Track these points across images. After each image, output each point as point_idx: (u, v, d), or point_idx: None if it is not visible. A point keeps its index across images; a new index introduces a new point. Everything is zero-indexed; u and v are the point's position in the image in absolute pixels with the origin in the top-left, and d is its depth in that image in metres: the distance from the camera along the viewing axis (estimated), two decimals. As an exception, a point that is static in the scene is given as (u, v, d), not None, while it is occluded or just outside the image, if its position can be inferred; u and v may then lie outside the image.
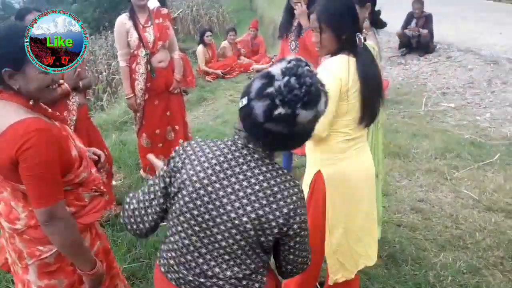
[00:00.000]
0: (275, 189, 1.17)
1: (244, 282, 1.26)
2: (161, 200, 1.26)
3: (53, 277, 1.55)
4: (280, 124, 1.11)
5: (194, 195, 1.17)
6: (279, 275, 1.41)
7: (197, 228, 1.20)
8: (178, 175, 1.21)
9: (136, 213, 1.31)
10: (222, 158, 1.19)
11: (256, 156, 1.20)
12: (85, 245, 1.57)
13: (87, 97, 3.77)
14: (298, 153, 3.63)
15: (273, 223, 1.16)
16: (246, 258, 1.23)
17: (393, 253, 2.79)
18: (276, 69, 1.12)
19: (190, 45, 11.66)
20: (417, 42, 7.28)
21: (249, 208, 1.15)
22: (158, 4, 3.58)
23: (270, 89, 1.09)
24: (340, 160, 1.92)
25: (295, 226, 1.20)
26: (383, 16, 2.49)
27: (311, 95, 1.09)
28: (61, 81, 2.75)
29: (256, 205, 1.15)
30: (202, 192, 1.17)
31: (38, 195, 1.38)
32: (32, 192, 1.39)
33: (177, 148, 1.29)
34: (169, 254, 1.29)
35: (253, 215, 1.15)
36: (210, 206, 1.17)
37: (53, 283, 1.56)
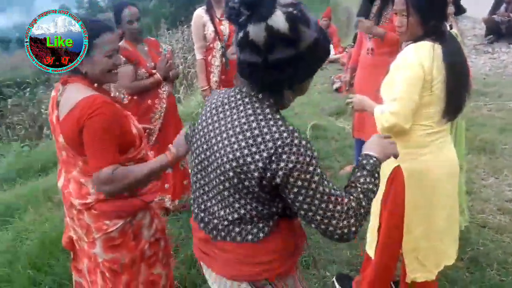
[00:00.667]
0: (256, 132, 1.11)
1: (237, 229, 1.23)
2: None
3: (117, 251, 1.71)
4: (247, 52, 1.09)
5: (197, 136, 1.27)
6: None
7: (198, 167, 1.27)
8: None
9: None
10: (219, 103, 1.23)
11: (246, 100, 1.18)
12: (138, 180, 1.62)
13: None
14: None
15: (252, 166, 1.10)
16: (234, 201, 1.20)
17: (476, 256, 2.60)
18: None
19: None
20: (507, 28, 6.69)
21: (228, 149, 1.14)
22: None
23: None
24: (421, 155, 1.82)
25: (281, 173, 1.08)
26: (467, 2, 2.32)
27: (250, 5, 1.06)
28: (153, 70, 2.96)
29: (235, 146, 1.12)
30: (200, 133, 1.25)
31: (95, 160, 1.53)
32: (90, 157, 1.54)
33: None
34: (192, 195, 1.38)
35: (230, 156, 1.13)
36: (205, 146, 1.23)
37: (116, 256, 1.71)
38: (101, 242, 1.69)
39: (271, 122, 1.13)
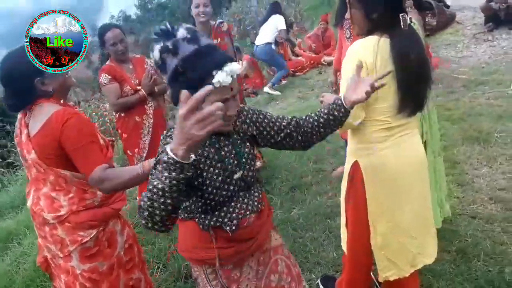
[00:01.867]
0: None
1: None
2: None
3: (94, 260, 1.76)
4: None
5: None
6: None
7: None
8: None
9: None
10: None
11: None
12: (133, 178, 1.67)
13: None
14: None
15: None
16: None
17: (463, 247, 2.53)
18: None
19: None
20: (506, 14, 6.54)
21: None
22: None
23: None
24: (378, 150, 1.77)
25: None
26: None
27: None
28: (138, 87, 3.06)
29: None
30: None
31: (86, 163, 1.63)
32: (81, 162, 1.64)
33: None
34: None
35: None
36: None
37: (95, 265, 1.77)
38: (77, 253, 1.75)
39: None
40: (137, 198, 4.21)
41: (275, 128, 1.53)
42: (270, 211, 1.64)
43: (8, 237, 3.69)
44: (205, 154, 1.37)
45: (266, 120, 1.53)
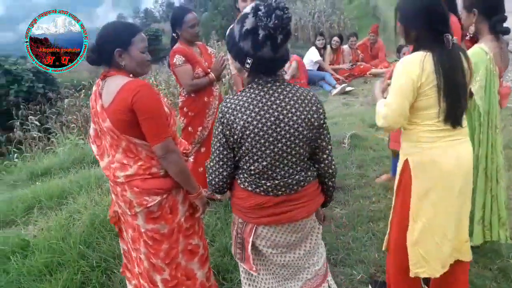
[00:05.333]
0: None
1: (304, 175, 1.70)
2: None
3: (156, 222, 1.96)
4: (265, 49, 1.47)
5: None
6: None
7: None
8: None
9: None
10: None
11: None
12: (190, 173, 1.99)
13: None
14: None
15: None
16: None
17: (505, 267, 2.60)
18: (246, 10, 1.48)
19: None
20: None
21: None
22: None
23: (248, 26, 1.45)
24: (429, 148, 1.93)
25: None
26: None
27: (283, 20, 1.42)
28: (208, 69, 3.25)
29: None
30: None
31: (154, 133, 1.81)
32: (149, 131, 1.81)
33: None
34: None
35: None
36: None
37: (156, 227, 1.97)
38: (143, 214, 1.94)
39: None
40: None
41: None
42: None
43: (62, 194, 3.90)
44: None
45: None
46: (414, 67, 1.84)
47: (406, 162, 2.00)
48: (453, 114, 1.88)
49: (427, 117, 1.90)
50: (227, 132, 1.58)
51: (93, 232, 3.08)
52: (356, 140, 4.91)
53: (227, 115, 1.57)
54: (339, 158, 4.40)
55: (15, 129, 8.84)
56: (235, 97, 1.60)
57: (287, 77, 7.64)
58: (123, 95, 1.78)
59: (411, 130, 1.97)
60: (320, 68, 8.00)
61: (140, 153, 1.89)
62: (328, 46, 8.13)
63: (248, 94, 1.58)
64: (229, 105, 1.58)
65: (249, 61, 1.51)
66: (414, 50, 1.93)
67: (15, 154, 7.11)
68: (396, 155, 3.74)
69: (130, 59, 1.87)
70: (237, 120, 1.54)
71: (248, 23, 1.46)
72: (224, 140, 1.60)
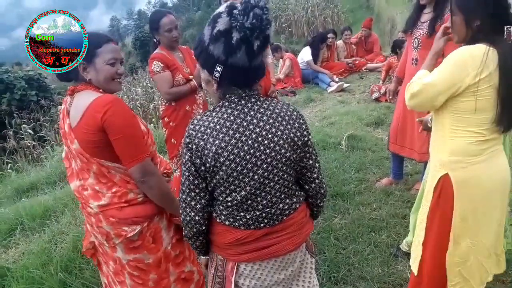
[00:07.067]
0: None
1: (289, 202, 1.48)
2: None
3: (138, 252, 1.75)
4: (239, 55, 1.22)
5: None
6: None
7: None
8: None
9: None
10: None
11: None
12: (173, 195, 1.78)
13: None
14: (416, 159, 3.37)
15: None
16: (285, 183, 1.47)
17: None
18: (220, 9, 1.24)
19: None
20: None
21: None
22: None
23: (221, 27, 1.21)
24: (473, 163, 1.72)
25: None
26: None
27: (262, 21, 1.18)
28: (190, 76, 3.02)
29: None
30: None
31: (129, 154, 1.60)
32: (124, 152, 1.60)
33: None
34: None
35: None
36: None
37: (139, 256, 1.76)
38: (122, 245, 1.73)
39: None
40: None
41: None
42: None
43: (46, 214, 3.70)
44: None
45: None
46: (475, 61, 1.61)
47: (446, 178, 1.77)
48: (506, 119, 1.67)
49: (475, 123, 1.69)
50: (197, 160, 1.33)
51: (76, 257, 2.88)
52: (354, 141, 4.70)
53: (196, 140, 1.32)
54: (336, 161, 4.20)
55: (8, 139, 8.66)
56: (204, 118, 1.36)
57: (281, 76, 7.45)
58: (91, 113, 1.56)
59: (454, 140, 1.74)
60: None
61: (113, 177, 1.67)
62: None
63: (220, 114, 1.33)
64: (197, 127, 1.34)
65: (218, 68, 1.26)
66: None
67: (9, 165, 6.90)
68: (398, 157, 3.55)
69: (95, 73, 1.66)
70: (208, 145, 1.30)
71: (221, 24, 1.21)
72: (193, 168, 1.35)
